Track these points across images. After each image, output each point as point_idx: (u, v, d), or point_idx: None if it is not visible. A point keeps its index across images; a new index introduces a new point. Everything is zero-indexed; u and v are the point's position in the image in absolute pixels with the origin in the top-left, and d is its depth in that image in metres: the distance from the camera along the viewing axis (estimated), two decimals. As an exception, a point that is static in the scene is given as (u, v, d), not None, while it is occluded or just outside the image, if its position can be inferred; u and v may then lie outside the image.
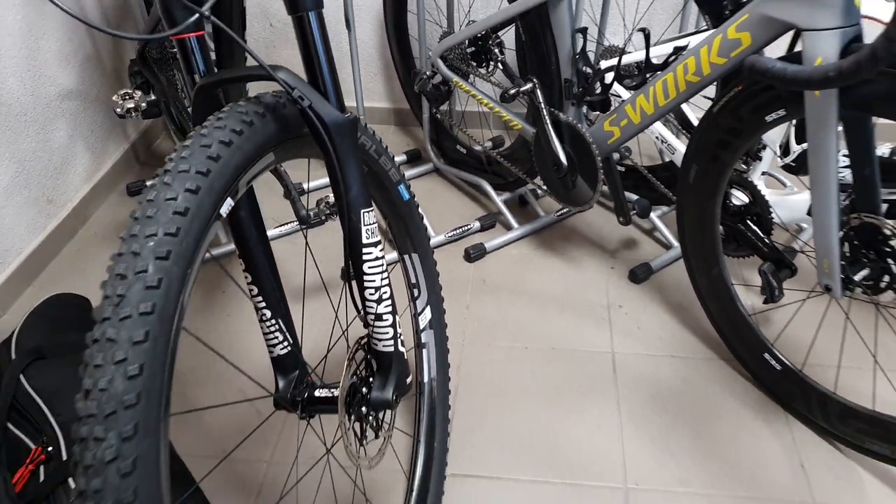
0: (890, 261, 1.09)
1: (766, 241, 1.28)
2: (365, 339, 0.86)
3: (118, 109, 1.37)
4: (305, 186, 1.83)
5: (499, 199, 1.74)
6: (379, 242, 0.81)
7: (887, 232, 1.07)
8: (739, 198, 1.32)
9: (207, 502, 1.11)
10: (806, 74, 0.80)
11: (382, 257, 0.81)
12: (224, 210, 0.67)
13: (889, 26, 0.72)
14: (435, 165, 1.92)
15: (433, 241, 1.66)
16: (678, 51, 1.24)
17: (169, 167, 0.62)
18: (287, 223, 1.71)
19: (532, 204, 1.77)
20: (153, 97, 1.41)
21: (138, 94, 1.39)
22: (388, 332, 0.84)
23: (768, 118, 1.09)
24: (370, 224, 0.79)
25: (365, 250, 0.80)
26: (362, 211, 0.78)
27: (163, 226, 0.58)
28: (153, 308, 0.56)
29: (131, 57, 1.67)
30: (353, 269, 0.80)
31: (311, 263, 1.61)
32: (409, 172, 1.93)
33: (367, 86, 2.11)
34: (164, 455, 0.57)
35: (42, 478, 1.04)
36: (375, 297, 0.82)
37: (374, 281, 0.81)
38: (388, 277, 0.82)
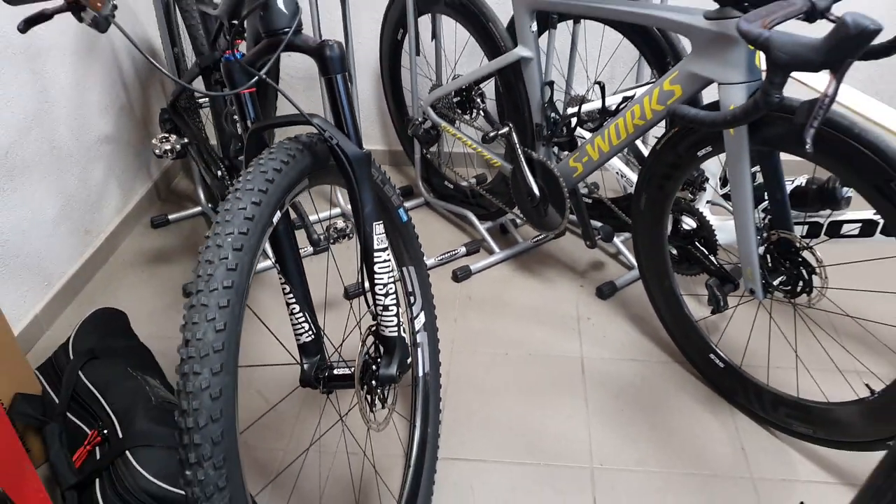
0: (802, 269, 1.33)
1: (712, 259, 1.51)
2: (374, 327, 1.08)
3: (157, 150, 1.61)
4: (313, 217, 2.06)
5: (482, 228, 1.98)
6: (387, 248, 1.04)
7: (798, 245, 1.32)
8: (689, 223, 1.56)
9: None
10: (712, 117, 1.05)
11: (389, 260, 1.04)
12: (275, 219, 0.90)
13: (765, 83, 0.97)
14: (426, 199, 2.17)
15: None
16: (626, 100, 1.49)
17: (238, 186, 0.86)
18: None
19: (512, 232, 2.01)
20: (186, 141, 1.65)
21: (174, 137, 1.62)
22: (393, 321, 1.06)
23: (699, 153, 1.34)
24: (380, 234, 1.02)
25: (376, 254, 1.03)
26: (374, 223, 1.01)
27: (237, 227, 0.82)
28: (232, 284, 0.79)
29: (160, 107, 1.91)
30: (366, 268, 1.03)
31: (324, 272, 1.84)
32: (403, 206, 2.17)
33: (366, 131, 2.37)
34: (236, 387, 0.79)
35: (98, 457, 1.24)
36: (383, 291, 1.04)
37: (382, 278, 1.04)
38: (393, 275, 1.05)
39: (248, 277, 0.83)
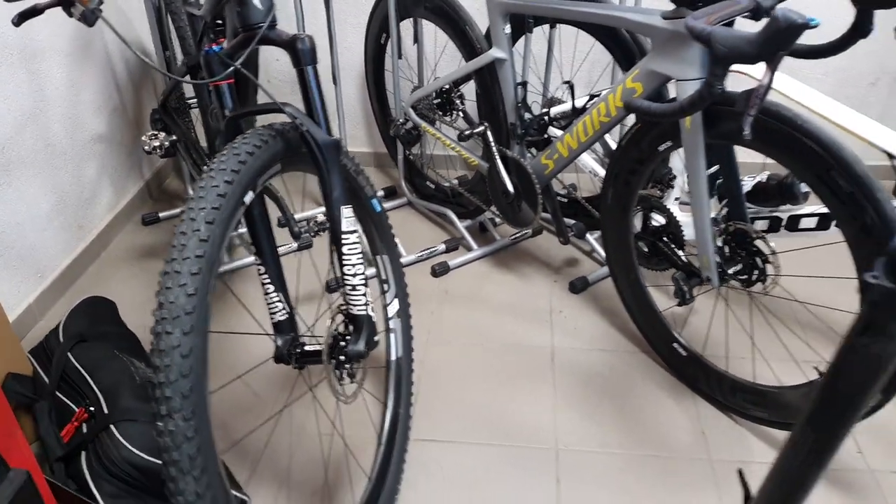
0: (756, 258, 1.40)
1: (679, 255, 1.57)
2: (344, 305, 1.15)
3: (146, 147, 1.68)
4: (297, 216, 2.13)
5: (461, 226, 2.05)
6: (355, 232, 1.10)
7: (753, 235, 1.39)
8: (658, 220, 1.63)
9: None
10: (662, 109, 1.12)
11: (358, 243, 1.11)
12: (247, 199, 0.97)
13: (708, 75, 1.04)
14: (408, 199, 2.24)
15: (405, 260, 1.96)
16: (593, 98, 1.57)
17: (213, 166, 0.93)
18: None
19: (490, 230, 2.08)
20: (175, 138, 1.72)
21: (162, 135, 1.70)
22: (360, 299, 1.13)
23: (660, 148, 1.42)
24: (349, 217, 1.09)
25: (344, 236, 1.09)
26: (342, 207, 1.08)
27: (209, 202, 0.89)
28: (204, 254, 0.86)
29: (151, 108, 1.99)
30: (335, 249, 1.10)
31: (308, 266, 1.90)
32: (386, 205, 2.23)
33: (352, 133, 2.45)
34: (207, 349, 0.85)
35: (85, 431, 1.30)
36: (351, 271, 1.11)
37: (350, 259, 1.10)
38: (361, 257, 1.11)
39: (220, 249, 0.89)
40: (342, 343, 1.14)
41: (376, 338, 1.16)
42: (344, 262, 1.10)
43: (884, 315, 0.69)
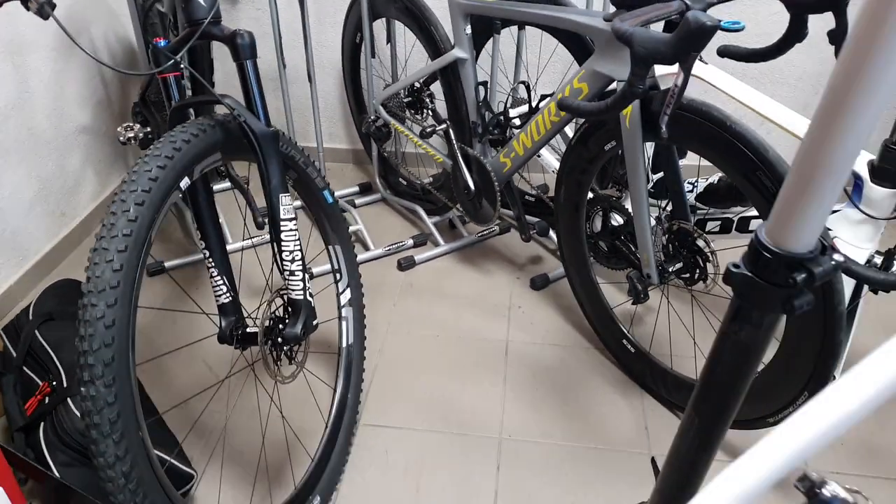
0: (697, 257, 1.44)
1: (636, 254, 1.60)
2: (284, 290, 1.20)
3: (121, 138, 1.75)
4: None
5: (430, 221, 2.11)
6: (294, 219, 1.16)
7: (693, 234, 1.43)
8: (616, 219, 1.67)
9: (168, 430, 1.43)
10: (590, 107, 1.17)
11: (296, 229, 1.16)
12: (183, 184, 1.03)
13: (630, 75, 1.08)
14: (382, 195, 2.30)
15: (372, 254, 2.02)
16: (544, 97, 1.62)
17: (148, 153, 0.99)
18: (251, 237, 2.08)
19: (459, 227, 2.13)
20: (149, 130, 1.79)
21: (137, 126, 1.77)
22: (299, 284, 1.18)
23: (606, 147, 1.46)
24: (287, 205, 1.15)
25: (282, 223, 1.15)
26: (280, 195, 1.14)
27: (140, 185, 0.95)
28: (131, 232, 0.92)
29: (134, 101, 2.06)
30: (273, 236, 1.15)
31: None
32: (360, 200, 2.30)
33: (330, 130, 2.51)
34: (133, 321, 0.91)
35: (46, 404, 1.37)
36: (290, 257, 1.17)
37: (288, 245, 1.16)
38: (299, 244, 1.17)
39: (150, 229, 0.95)
40: (280, 326, 1.19)
41: (315, 322, 1.22)
42: (283, 249, 1.16)
43: (748, 303, 0.73)
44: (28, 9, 1.07)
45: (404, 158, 2.44)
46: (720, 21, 0.99)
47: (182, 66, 1.07)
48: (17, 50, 1.80)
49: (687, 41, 1.00)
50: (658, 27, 1.19)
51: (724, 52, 1.25)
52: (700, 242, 1.43)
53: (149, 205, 0.95)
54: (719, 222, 1.69)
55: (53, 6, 1.06)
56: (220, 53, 2.25)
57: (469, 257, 2.05)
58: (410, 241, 2.06)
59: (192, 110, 1.21)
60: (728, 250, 1.58)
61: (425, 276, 1.97)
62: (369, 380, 1.62)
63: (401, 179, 2.24)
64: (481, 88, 1.73)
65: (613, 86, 1.39)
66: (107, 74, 2.20)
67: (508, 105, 1.91)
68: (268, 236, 1.85)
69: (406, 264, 1.98)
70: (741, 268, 0.71)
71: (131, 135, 1.77)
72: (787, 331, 1.26)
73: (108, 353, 0.88)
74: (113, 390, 0.88)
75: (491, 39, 1.88)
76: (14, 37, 1.78)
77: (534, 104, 1.68)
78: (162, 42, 1.11)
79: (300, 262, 1.18)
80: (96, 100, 2.15)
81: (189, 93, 1.50)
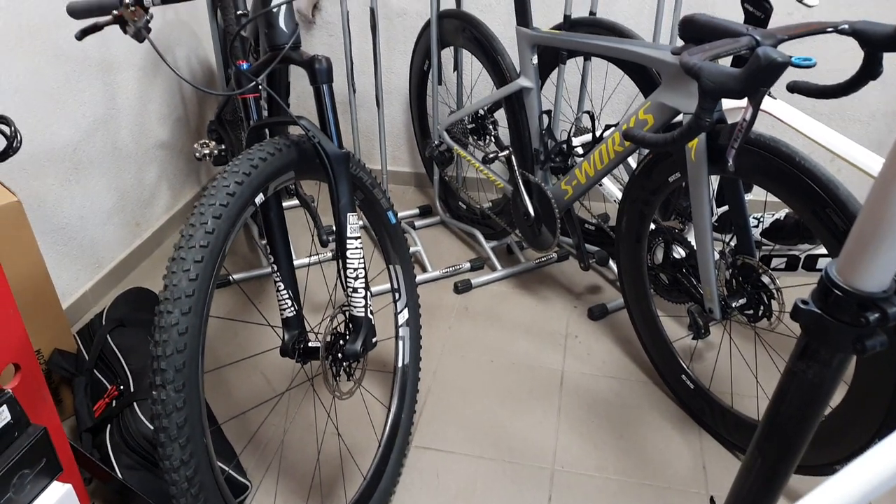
0: (762, 293, 1.41)
1: (698, 288, 1.58)
2: (346, 306, 1.23)
3: (197, 154, 1.84)
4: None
5: (488, 246, 2.12)
6: (359, 237, 1.19)
7: (758, 269, 1.40)
8: (679, 252, 1.65)
9: (227, 440, 1.47)
10: (656, 139, 1.17)
11: (361, 248, 1.20)
12: (258, 200, 1.07)
13: (697, 108, 1.08)
14: (441, 218, 2.33)
15: (429, 275, 2.04)
16: (608, 127, 1.62)
17: (227, 169, 1.04)
18: (314, 255, 2.13)
19: (516, 252, 2.14)
20: (223, 147, 1.87)
21: (213, 143, 1.85)
22: (360, 302, 1.21)
23: (670, 179, 1.45)
24: (354, 224, 1.18)
25: (349, 241, 1.18)
26: (348, 214, 1.17)
27: (218, 199, 0.99)
28: (208, 244, 0.96)
29: (210, 119, 2.16)
30: (339, 253, 1.19)
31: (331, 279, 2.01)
32: (419, 222, 2.34)
33: (394, 153, 2.57)
34: (204, 330, 0.95)
35: (113, 407, 1.43)
36: (353, 275, 1.20)
37: (353, 263, 1.19)
38: (363, 262, 1.20)
39: (225, 241, 1.00)
40: (341, 342, 1.22)
41: (375, 339, 1.24)
42: (347, 266, 1.19)
43: (816, 340, 0.72)
44: (126, 32, 1.15)
45: (465, 183, 2.47)
46: (791, 57, 0.99)
47: (261, 87, 1.12)
48: (108, 69, 1.91)
49: (757, 76, 1.00)
50: (726, 62, 1.18)
51: (794, 87, 1.24)
52: (765, 278, 1.40)
53: (225, 218, 0.99)
54: (785, 259, 1.65)
55: (149, 30, 1.13)
56: (293, 77, 2.34)
57: (526, 283, 2.05)
58: (467, 265, 2.08)
59: (267, 130, 1.26)
60: (794, 288, 1.55)
61: (481, 300, 1.98)
62: (422, 401, 1.63)
63: (460, 203, 2.27)
64: (545, 117, 1.74)
65: (679, 118, 1.39)
66: (186, 94, 2.31)
67: (571, 134, 1.92)
68: (330, 255, 1.90)
69: (462, 287, 1.99)
70: (810, 305, 0.70)
71: (206, 151, 1.85)
72: (857, 372, 1.21)
73: (180, 359, 0.91)
74: (182, 395, 0.91)
75: (556, 69, 1.90)
76: (106, 57, 1.90)
77: (597, 133, 1.69)
78: (244, 65, 1.17)
79: (363, 280, 1.21)
80: (175, 117, 2.26)
81: (265, 113, 1.57)
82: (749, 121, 1.04)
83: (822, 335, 0.70)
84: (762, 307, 1.42)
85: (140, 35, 1.13)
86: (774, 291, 1.38)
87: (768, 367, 1.69)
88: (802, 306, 0.70)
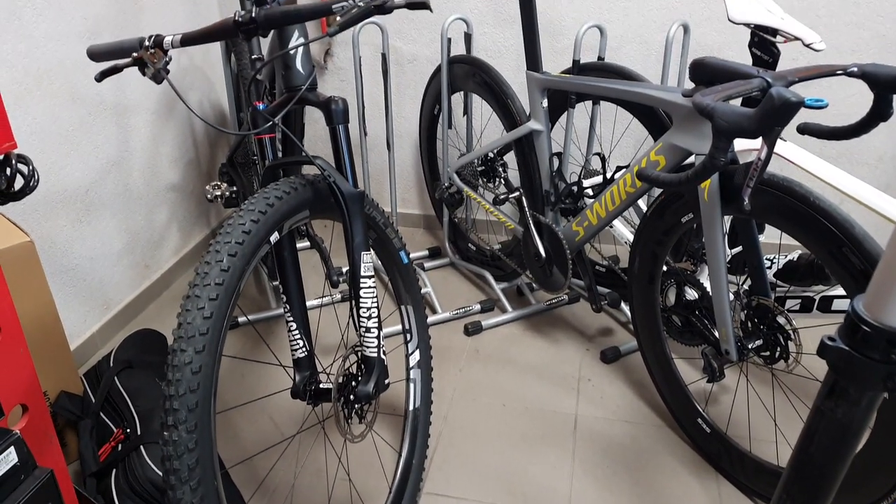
0: (778, 334, 1.39)
1: (712, 330, 1.56)
2: (359, 347, 1.22)
3: (208, 195, 1.85)
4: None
5: (498, 288, 2.11)
6: (372, 276, 1.19)
7: (774, 310, 1.38)
8: (691, 294, 1.64)
9: (234, 485, 1.44)
10: (670, 178, 1.17)
11: (374, 287, 1.19)
12: (272, 238, 1.07)
13: (711, 148, 1.09)
14: (451, 260, 2.33)
15: (439, 317, 2.03)
16: (619, 168, 1.62)
17: (243, 207, 1.04)
18: (325, 295, 2.12)
19: (527, 294, 2.13)
20: (235, 189, 1.89)
21: (224, 185, 1.86)
22: (373, 342, 1.19)
23: (683, 220, 1.45)
24: (367, 263, 1.18)
25: (362, 280, 1.18)
26: (362, 253, 1.17)
27: (234, 237, 0.99)
28: (223, 282, 0.95)
29: (221, 162, 2.18)
30: (353, 292, 1.18)
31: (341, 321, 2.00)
32: (429, 264, 2.33)
33: (403, 195, 2.58)
34: (217, 369, 0.94)
35: (119, 450, 1.40)
36: (367, 314, 1.19)
37: (366, 302, 1.18)
38: (376, 301, 1.19)
39: (240, 280, 0.99)
40: (353, 383, 1.20)
41: (387, 381, 1.22)
42: (360, 305, 1.18)
43: (845, 378, 0.71)
44: (144, 74, 1.16)
45: (474, 225, 2.47)
46: (804, 98, 0.99)
47: (278, 126, 1.14)
48: (122, 112, 1.94)
49: (771, 116, 1.00)
50: (736, 104, 1.19)
51: (804, 129, 1.24)
52: (781, 319, 1.38)
53: (240, 256, 0.99)
54: (799, 301, 1.63)
55: (168, 72, 1.14)
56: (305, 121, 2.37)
57: (537, 326, 2.03)
58: (478, 307, 2.07)
59: (282, 170, 1.27)
60: (810, 328, 1.53)
61: (492, 342, 1.96)
62: (433, 446, 1.60)
63: (470, 245, 2.27)
64: (555, 159, 1.75)
65: (691, 159, 1.39)
66: (198, 137, 2.34)
67: (581, 176, 1.93)
68: (340, 296, 1.89)
69: (473, 329, 1.98)
70: (837, 341, 0.69)
71: (218, 193, 1.86)
72: (881, 412, 1.19)
73: (193, 398, 0.90)
74: (194, 436, 0.90)
75: (565, 113, 1.92)
76: (121, 100, 1.93)
77: (608, 175, 1.70)
78: (261, 106, 1.18)
79: (376, 320, 1.19)
80: (187, 160, 2.28)
81: (280, 154, 1.58)
82: (764, 160, 1.04)
83: (850, 373, 0.68)
84: (779, 348, 1.40)
85: (159, 76, 1.14)
86: (791, 332, 1.37)
87: (787, 411, 1.66)
88: (829, 343, 0.69)
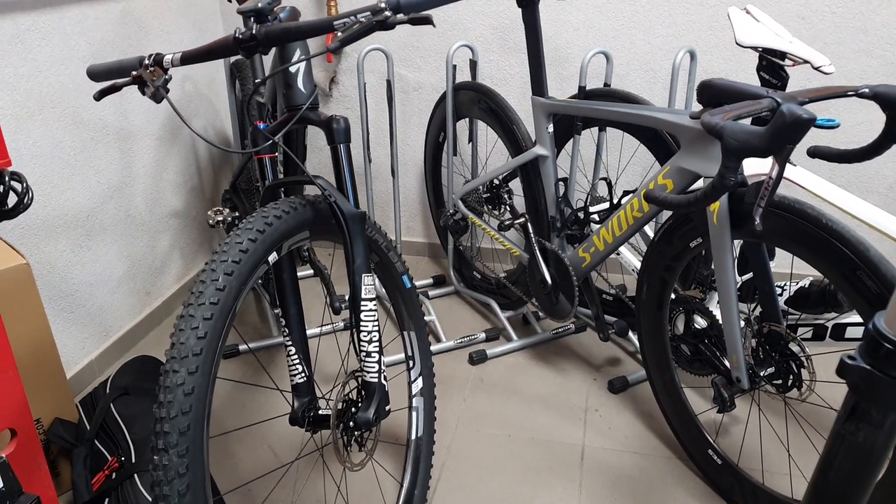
0: (790, 362, 1.35)
1: (721, 360, 1.52)
2: (359, 372, 1.18)
3: (210, 221, 1.83)
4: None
5: (503, 316, 2.07)
6: (374, 299, 1.16)
7: (785, 337, 1.34)
8: (700, 322, 1.60)
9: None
10: (678, 199, 1.14)
11: (375, 310, 1.16)
12: (271, 259, 1.05)
13: (721, 167, 1.06)
14: (455, 288, 2.30)
15: (443, 346, 1.99)
16: (626, 193, 1.60)
17: (240, 226, 1.01)
18: (327, 323, 2.09)
19: (532, 323, 2.09)
20: (238, 215, 1.87)
21: (226, 210, 1.85)
22: (374, 367, 1.16)
23: (691, 244, 1.42)
24: (369, 285, 1.15)
25: (363, 303, 1.15)
26: (363, 275, 1.14)
27: (231, 256, 0.96)
28: (218, 301, 0.93)
29: (225, 188, 2.17)
30: (353, 316, 1.15)
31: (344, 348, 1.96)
32: (433, 292, 2.30)
33: (407, 224, 2.56)
34: (211, 392, 0.91)
35: (113, 479, 1.36)
36: (367, 338, 1.15)
37: (367, 325, 1.15)
38: (377, 325, 1.16)
39: (236, 299, 0.96)
40: (353, 410, 1.17)
41: (388, 407, 1.18)
42: (361, 329, 1.15)
43: (866, 399, 0.67)
44: (144, 93, 1.15)
45: (479, 253, 2.45)
46: (815, 116, 0.97)
47: (279, 146, 1.12)
48: (125, 137, 1.94)
49: (782, 133, 0.98)
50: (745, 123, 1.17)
51: (815, 153, 1.22)
52: (793, 346, 1.34)
53: (237, 275, 0.96)
54: (811, 328, 1.59)
55: (167, 90, 1.13)
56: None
57: (543, 355, 1.99)
58: (482, 335, 2.03)
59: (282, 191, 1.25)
60: (822, 355, 1.49)
61: (497, 371, 1.92)
62: (436, 477, 1.55)
63: (475, 273, 2.24)
64: (561, 184, 1.73)
65: (698, 183, 1.37)
66: (202, 163, 2.33)
67: (588, 202, 1.90)
68: (341, 324, 1.86)
69: (478, 358, 1.93)
70: (858, 360, 0.65)
71: (220, 218, 1.84)
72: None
73: (185, 421, 0.86)
74: (185, 461, 0.86)
75: (570, 140, 1.90)
76: (124, 125, 1.93)
77: (615, 200, 1.67)
78: (262, 126, 1.17)
79: (377, 344, 1.16)
80: (190, 186, 2.27)
81: (280, 175, 1.56)
82: (776, 179, 1.02)
83: (872, 393, 0.65)
84: (791, 376, 1.36)
85: (158, 95, 1.13)
86: (804, 360, 1.32)
87: (800, 441, 1.61)
88: (850, 362, 0.65)
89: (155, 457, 0.86)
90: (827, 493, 0.74)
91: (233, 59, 2.12)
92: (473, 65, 2.01)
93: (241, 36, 1.03)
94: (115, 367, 1.94)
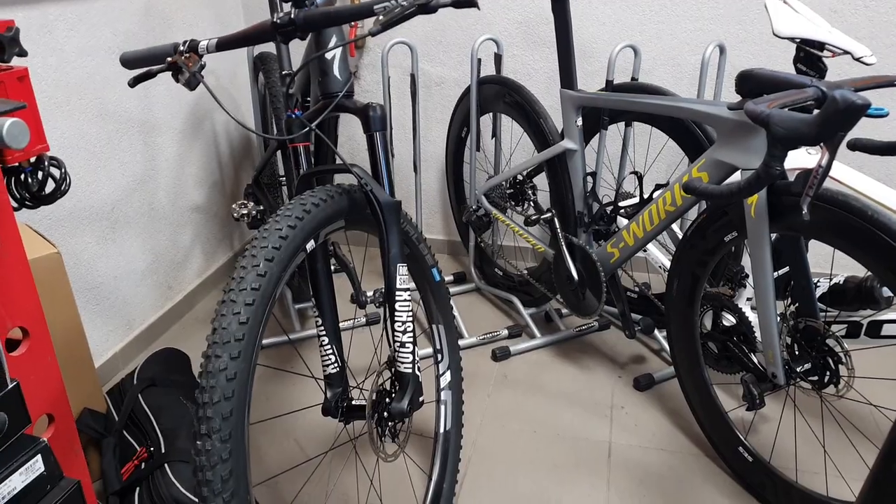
0: (828, 358, 1.33)
1: (750, 357, 1.50)
2: (391, 362, 1.17)
3: (235, 214, 1.82)
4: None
5: (526, 313, 2.06)
6: (408, 289, 1.14)
7: (823, 332, 1.32)
8: (728, 320, 1.58)
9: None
10: (720, 190, 1.13)
11: (410, 300, 1.14)
12: (308, 246, 1.04)
13: (766, 156, 1.05)
14: (476, 285, 2.28)
15: (467, 342, 1.97)
16: (659, 187, 1.58)
17: (280, 212, 1.00)
18: (351, 318, 2.08)
19: (556, 320, 2.07)
20: (261, 209, 1.86)
21: (251, 204, 1.84)
22: (408, 357, 1.15)
23: (726, 238, 1.40)
24: (403, 275, 1.13)
25: (397, 293, 1.13)
26: (398, 265, 1.13)
27: (271, 242, 0.95)
28: (259, 286, 0.91)
29: (246, 183, 2.16)
30: (388, 306, 1.14)
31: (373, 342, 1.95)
32: (454, 289, 2.28)
33: (428, 220, 2.55)
34: (252, 377, 0.89)
35: (143, 469, 1.35)
36: (401, 328, 1.14)
37: (401, 316, 1.14)
38: (412, 316, 1.15)
39: (277, 285, 0.95)
40: (387, 400, 1.15)
41: (421, 398, 1.17)
42: (395, 319, 1.14)
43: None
44: (178, 80, 1.15)
45: (501, 250, 2.43)
46: (869, 102, 0.95)
47: (314, 133, 1.11)
48: (149, 130, 1.93)
49: (833, 121, 0.96)
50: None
51: (855, 145, 1.20)
52: (830, 342, 1.32)
53: (277, 261, 0.95)
54: (846, 326, 1.57)
55: (202, 76, 1.13)
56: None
57: (567, 352, 1.97)
58: (505, 332, 2.01)
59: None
60: (857, 350, 1.46)
61: (521, 368, 1.90)
62: (463, 472, 1.53)
63: (497, 270, 2.22)
64: (589, 179, 1.72)
65: (734, 176, 1.35)
66: (223, 158, 2.33)
67: (616, 197, 1.89)
68: (363, 319, 1.84)
69: (501, 355, 1.92)
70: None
71: (244, 212, 1.83)
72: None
73: (228, 406, 0.85)
74: (228, 446, 0.85)
75: (597, 136, 1.89)
76: (148, 118, 1.92)
77: (645, 195, 1.65)
78: (297, 113, 1.16)
79: (411, 335, 1.15)
80: (212, 181, 2.27)
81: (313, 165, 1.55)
82: (825, 167, 1.00)
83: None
84: (829, 372, 1.33)
85: (194, 80, 1.13)
86: (842, 355, 1.30)
87: (835, 439, 1.58)
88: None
89: (198, 442, 0.84)
90: (890, 483, 0.72)
91: (256, 51, 2.11)
92: (498, 59, 1.99)
93: (279, 20, 1.02)
94: (138, 359, 1.94)
